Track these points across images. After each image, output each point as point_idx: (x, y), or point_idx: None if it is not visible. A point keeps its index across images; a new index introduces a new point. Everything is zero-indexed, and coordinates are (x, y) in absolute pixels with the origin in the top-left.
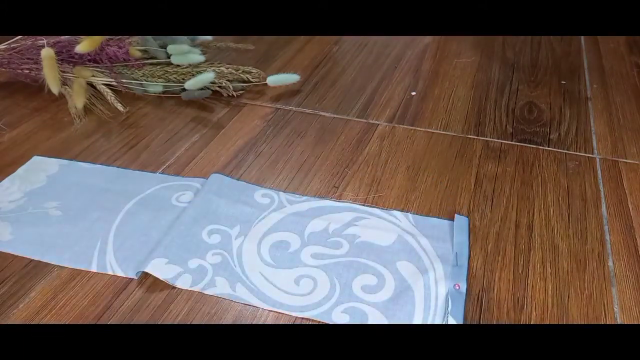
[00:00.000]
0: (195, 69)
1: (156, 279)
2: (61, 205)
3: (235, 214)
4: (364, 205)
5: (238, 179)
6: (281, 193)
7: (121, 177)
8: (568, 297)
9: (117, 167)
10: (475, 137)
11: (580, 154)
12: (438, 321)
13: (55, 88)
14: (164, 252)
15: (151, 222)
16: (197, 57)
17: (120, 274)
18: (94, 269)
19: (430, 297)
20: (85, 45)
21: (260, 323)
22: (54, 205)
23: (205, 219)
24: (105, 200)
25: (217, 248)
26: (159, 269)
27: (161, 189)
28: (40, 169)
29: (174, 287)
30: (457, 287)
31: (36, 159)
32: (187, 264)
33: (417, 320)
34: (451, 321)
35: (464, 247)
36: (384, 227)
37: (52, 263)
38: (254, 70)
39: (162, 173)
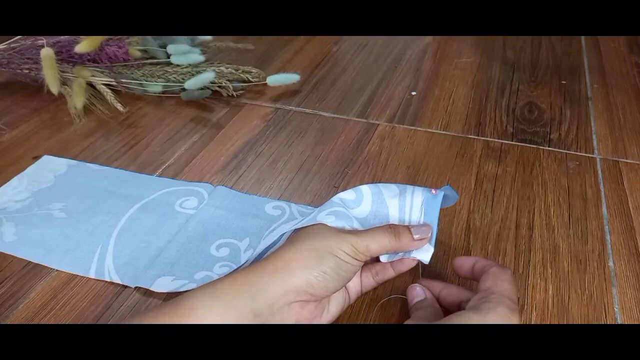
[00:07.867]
0: (195, 69)
1: None
2: (66, 207)
3: (245, 226)
4: None
5: (248, 193)
6: (292, 205)
7: (127, 180)
8: (568, 297)
9: (124, 169)
10: (476, 137)
11: (581, 154)
12: (415, 218)
13: (55, 88)
14: (170, 270)
15: (153, 229)
16: (197, 57)
17: (117, 281)
18: (92, 275)
19: (405, 208)
20: (85, 45)
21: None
22: (59, 207)
23: (214, 234)
24: (109, 204)
25: (225, 260)
26: (165, 286)
27: (165, 194)
28: (49, 169)
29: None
30: (434, 192)
31: (46, 158)
32: (194, 276)
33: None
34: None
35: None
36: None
37: (51, 267)
38: (254, 70)
39: (167, 177)
